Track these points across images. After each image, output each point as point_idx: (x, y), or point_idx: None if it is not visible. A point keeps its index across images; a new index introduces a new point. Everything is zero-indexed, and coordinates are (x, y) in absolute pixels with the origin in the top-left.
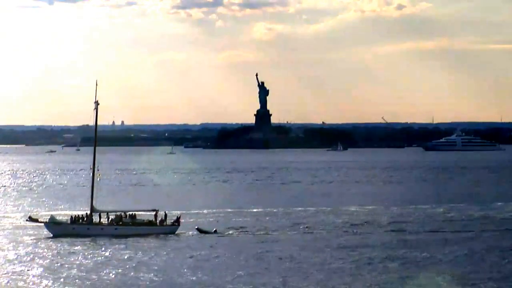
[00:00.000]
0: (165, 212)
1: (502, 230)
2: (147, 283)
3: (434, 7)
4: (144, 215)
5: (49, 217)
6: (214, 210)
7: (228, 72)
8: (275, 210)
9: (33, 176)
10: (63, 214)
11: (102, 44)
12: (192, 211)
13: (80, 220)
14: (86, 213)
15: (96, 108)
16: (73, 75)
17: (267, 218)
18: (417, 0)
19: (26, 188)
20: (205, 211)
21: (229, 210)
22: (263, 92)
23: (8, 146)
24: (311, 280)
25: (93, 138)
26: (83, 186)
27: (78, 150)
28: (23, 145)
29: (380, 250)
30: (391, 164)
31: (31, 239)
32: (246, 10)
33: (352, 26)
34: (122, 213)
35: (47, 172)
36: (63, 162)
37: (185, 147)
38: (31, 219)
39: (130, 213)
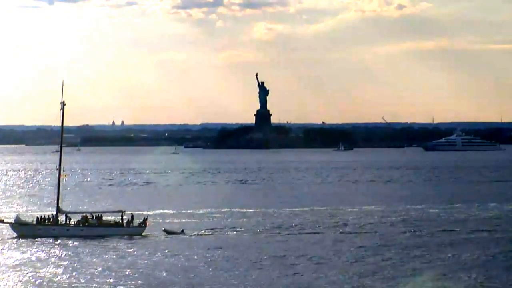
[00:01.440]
0: (131, 214)
1: None
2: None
3: (434, 7)
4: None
5: (14, 217)
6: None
7: (228, 72)
8: (261, 210)
9: (33, 176)
10: (29, 215)
11: (102, 44)
12: (188, 211)
13: (46, 221)
14: (52, 214)
15: (63, 109)
16: (73, 75)
17: (244, 219)
18: (417, 0)
19: (22, 189)
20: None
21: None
22: (263, 92)
23: (8, 146)
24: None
25: (93, 138)
26: (85, 187)
27: (79, 150)
28: (23, 145)
29: (379, 251)
30: (391, 164)
31: None
32: (246, 10)
33: (352, 26)
34: (88, 214)
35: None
36: (66, 162)
37: (185, 147)
38: None
39: (97, 214)
